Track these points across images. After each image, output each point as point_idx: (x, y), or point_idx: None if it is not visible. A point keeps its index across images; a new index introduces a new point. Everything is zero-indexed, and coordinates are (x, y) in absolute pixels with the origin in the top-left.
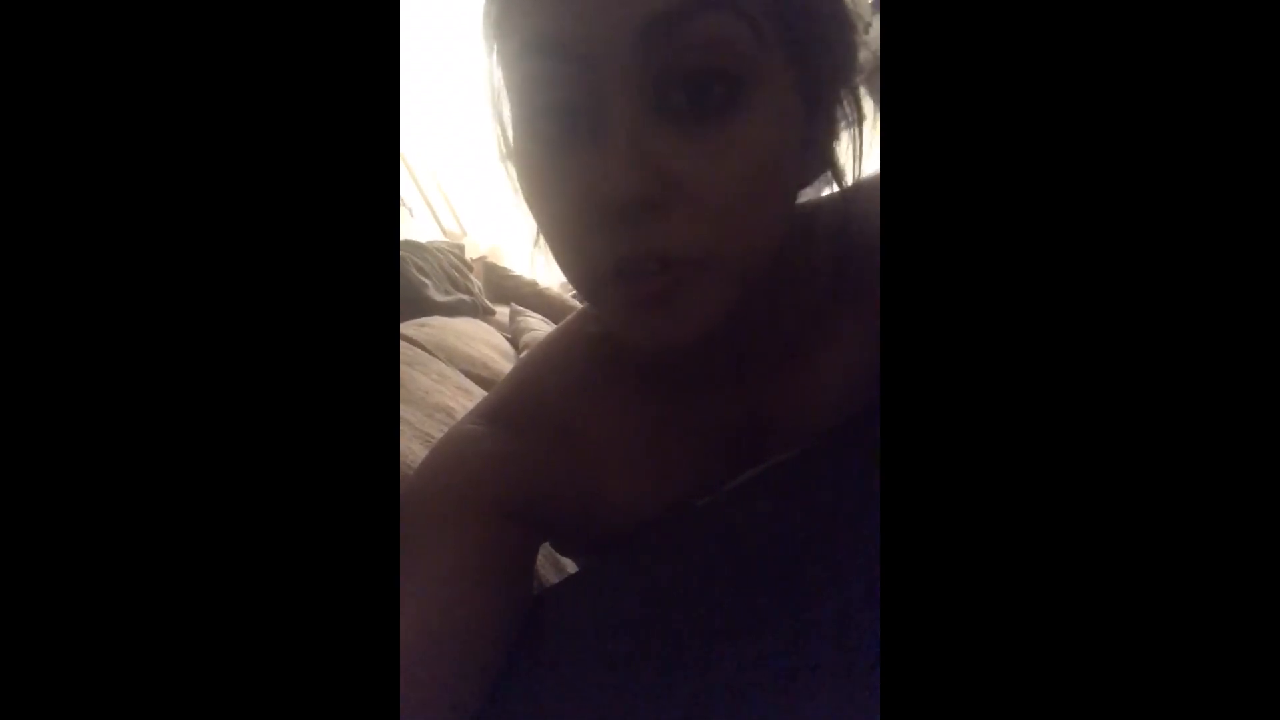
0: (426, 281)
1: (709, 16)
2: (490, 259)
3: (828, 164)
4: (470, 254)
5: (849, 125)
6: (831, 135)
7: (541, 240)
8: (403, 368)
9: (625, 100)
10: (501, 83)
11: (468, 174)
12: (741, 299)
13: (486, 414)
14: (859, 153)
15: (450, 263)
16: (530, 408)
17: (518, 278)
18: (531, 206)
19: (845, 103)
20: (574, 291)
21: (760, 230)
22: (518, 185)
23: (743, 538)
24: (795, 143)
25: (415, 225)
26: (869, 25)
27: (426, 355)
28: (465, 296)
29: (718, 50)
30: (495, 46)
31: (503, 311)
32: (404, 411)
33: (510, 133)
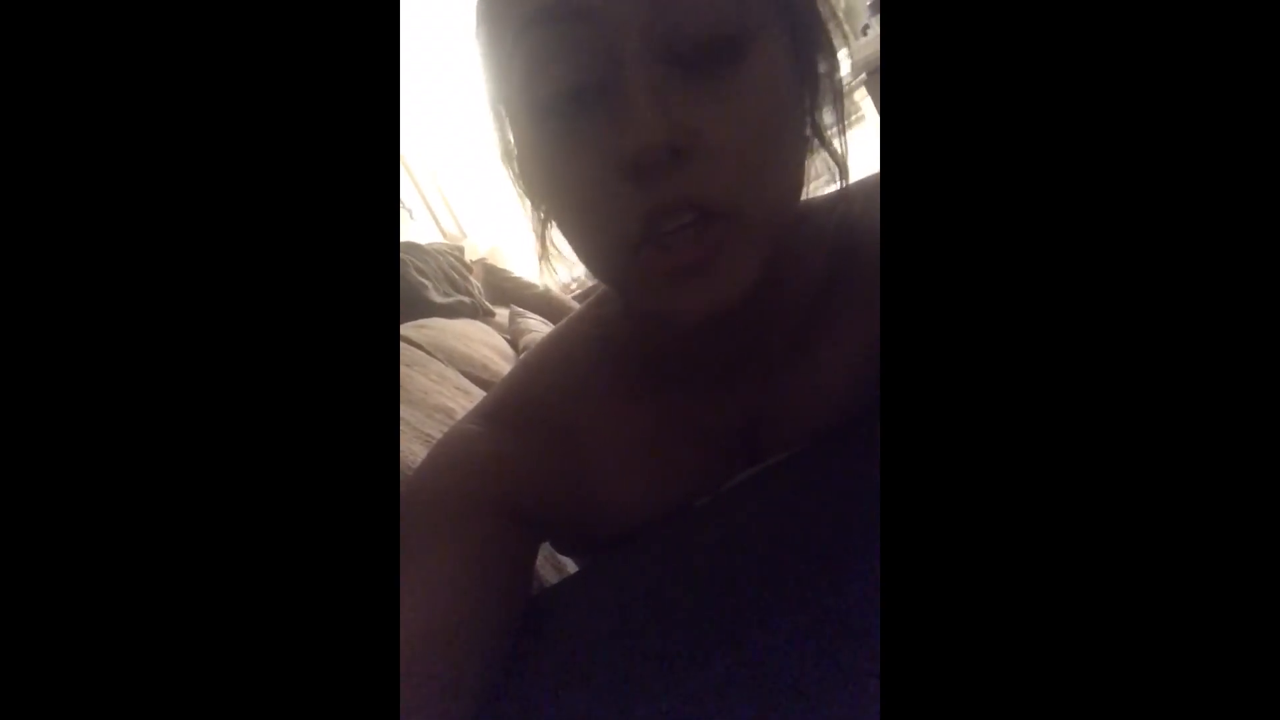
0: (426, 283)
1: None
2: (490, 261)
3: (817, 134)
4: (470, 256)
5: (834, 101)
6: (817, 104)
7: (544, 246)
8: (402, 369)
9: (639, 56)
10: (499, 78)
11: (468, 176)
12: (764, 269)
13: (485, 414)
14: (843, 123)
15: (450, 264)
16: (529, 408)
17: (517, 279)
18: (545, 190)
19: (829, 77)
20: (574, 293)
21: (777, 183)
22: (521, 178)
23: (741, 538)
24: (794, 100)
25: (415, 227)
26: (867, 26)
27: (426, 356)
28: (465, 298)
29: (719, 7)
30: (491, 38)
31: (502, 313)
32: (403, 412)
33: (511, 129)
